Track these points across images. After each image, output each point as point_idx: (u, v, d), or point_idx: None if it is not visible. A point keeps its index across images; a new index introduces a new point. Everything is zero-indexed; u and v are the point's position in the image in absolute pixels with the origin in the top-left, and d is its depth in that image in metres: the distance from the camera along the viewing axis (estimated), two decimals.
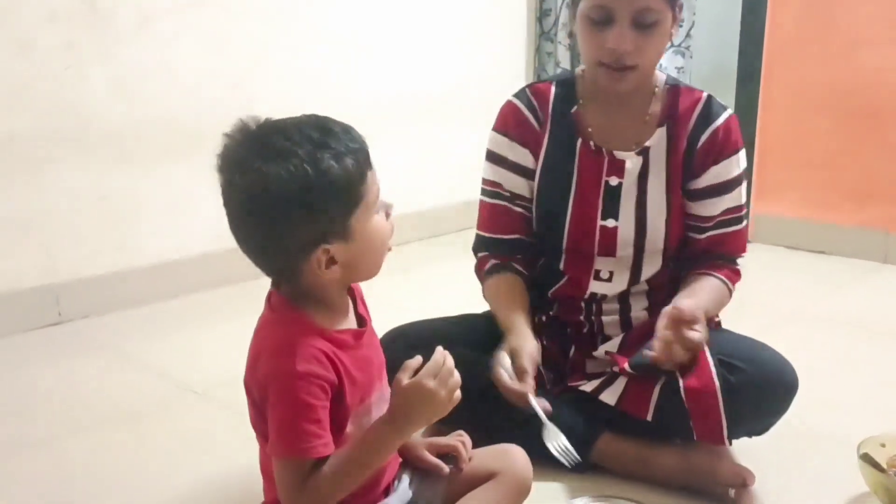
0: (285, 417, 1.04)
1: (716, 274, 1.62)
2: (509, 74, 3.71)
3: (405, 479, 1.25)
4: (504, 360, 1.45)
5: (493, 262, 1.66)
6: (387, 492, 1.21)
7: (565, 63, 3.67)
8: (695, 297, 1.51)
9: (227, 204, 1.05)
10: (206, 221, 2.67)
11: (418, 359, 1.11)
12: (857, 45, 3.03)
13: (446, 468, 1.24)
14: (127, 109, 2.52)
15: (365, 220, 1.08)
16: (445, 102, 3.50)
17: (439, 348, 1.12)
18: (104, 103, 2.47)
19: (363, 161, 1.06)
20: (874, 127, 3.03)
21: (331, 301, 1.12)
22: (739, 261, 1.66)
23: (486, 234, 1.70)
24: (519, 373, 1.43)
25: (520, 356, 1.44)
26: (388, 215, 1.13)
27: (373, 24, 3.17)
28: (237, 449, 1.57)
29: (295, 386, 1.03)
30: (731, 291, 1.63)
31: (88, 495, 1.52)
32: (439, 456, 1.27)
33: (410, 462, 1.27)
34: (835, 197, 3.16)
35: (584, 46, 1.53)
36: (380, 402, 1.17)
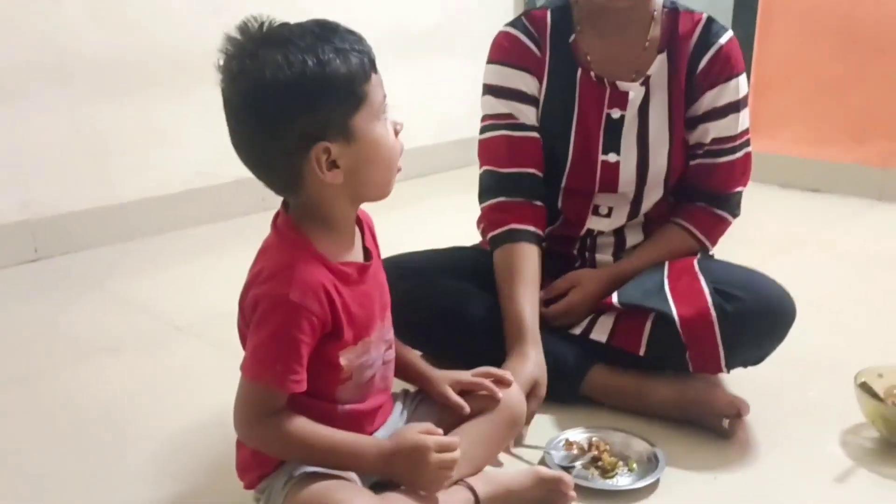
0: (265, 341, 1.00)
1: (687, 225, 1.58)
2: (499, 5, 3.61)
3: (398, 407, 1.23)
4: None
5: (512, 226, 1.54)
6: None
7: None
8: (627, 262, 1.58)
9: (227, 103, 1.00)
10: (189, 155, 2.61)
11: (439, 431, 1.07)
12: None
13: (468, 408, 1.22)
14: (105, 37, 2.43)
15: (369, 124, 1.02)
16: (434, 36, 3.41)
17: (456, 438, 1.08)
18: (81, 30, 2.38)
19: (368, 63, 1.01)
20: (876, 59, 2.95)
21: (337, 222, 1.07)
22: (733, 198, 1.59)
23: (503, 170, 1.57)
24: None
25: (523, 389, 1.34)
26: (396, 133, 1.07)
27: None
28: (223, 384, 1.52)
29: (284, 314, 0.99)
30: (702, 242, 1.59)
31: (71, 431, 1.49)
32: (460, 393, 1.24)
33: (433, 397, 1.24)
34: (832, 132, 3.11)
35: None
36: (378, 343, 1.13)
